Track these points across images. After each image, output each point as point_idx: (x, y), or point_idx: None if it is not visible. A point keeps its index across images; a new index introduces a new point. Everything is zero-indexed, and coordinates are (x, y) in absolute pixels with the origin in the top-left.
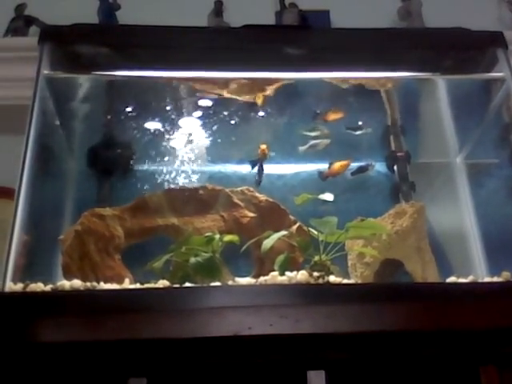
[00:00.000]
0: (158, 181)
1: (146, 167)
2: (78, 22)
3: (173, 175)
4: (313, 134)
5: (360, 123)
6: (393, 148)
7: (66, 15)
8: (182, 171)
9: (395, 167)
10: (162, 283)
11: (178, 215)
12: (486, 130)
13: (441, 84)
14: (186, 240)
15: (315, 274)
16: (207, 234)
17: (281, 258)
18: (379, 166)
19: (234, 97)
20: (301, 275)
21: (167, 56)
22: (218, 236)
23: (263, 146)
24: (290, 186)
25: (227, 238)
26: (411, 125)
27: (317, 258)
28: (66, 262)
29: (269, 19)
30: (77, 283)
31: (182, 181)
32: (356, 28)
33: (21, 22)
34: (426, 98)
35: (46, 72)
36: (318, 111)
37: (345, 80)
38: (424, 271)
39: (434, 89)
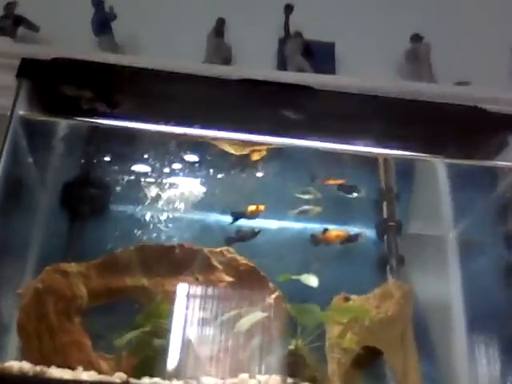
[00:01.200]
0: (135, 226)
1: (123, 209)
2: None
3: (151, 221)
4: (305, 196)
5: (352, 185)
6: (385, 215)
7: (58, 16)
8: (162, 218)
9: (385, 236)
10: (119, 376)
11: (149, 275)
12: (483, 210)
13: (443, 165)
14: (154, 309)
15: (289, 381)
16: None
17: (255, 341)
18: (369, 232)
19: (225, 149)
20: (273, 380)
21: (156, 106)
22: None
23: (261, 207)
24: (276, 245)
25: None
26: (406, 193)
27: (293, 345)
28: (22, 320)
29: (272, 45)
30: (25, 366)
31: (160, 228)
32: (362, 94)
33: (9, 21)
34: (426, 170)
35: (21, 112)
36: (316, 175)
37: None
38: (405, 363)
39: (436, 166)
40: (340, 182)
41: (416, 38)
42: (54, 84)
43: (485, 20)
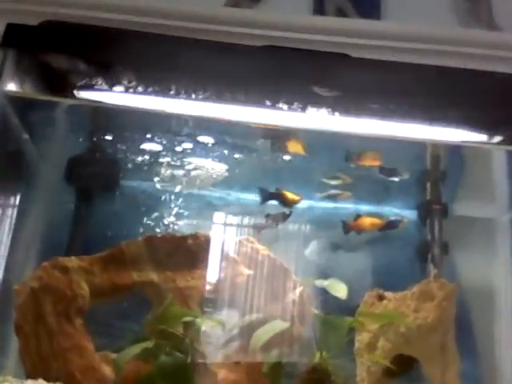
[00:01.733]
0: (147, 205)
1: (133, 185)
2: None
3: (166, 200)
4: (333, 182)
5: (393, 168)
6: (428, 196)
7: None
8: (178, 195)
9: (428, 221)
10: None
11: (159, 269)
12: None
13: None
14: (162, 314)
15: None
16: (185, 319)
17: (272, 356)
18: (409, 215)
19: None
20: None
21: (165, 77)
22: (199, 320)
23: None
24: (302, 232)
25: (209, 323)
26: (454, 170)
27: (317, 358)
28: (19, 321)
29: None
30: None
31: (175, 210)
32: (411, 63)
33: None
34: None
35: (8, 89)
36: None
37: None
38: (444, 375)
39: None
40: (376, 162)
41: None
42: (43, 54)
43: None
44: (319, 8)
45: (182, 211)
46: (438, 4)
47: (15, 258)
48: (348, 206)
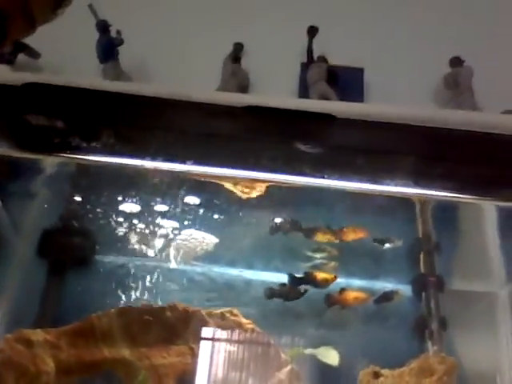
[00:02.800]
0: (124, 281)
1: (108, 260)
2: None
3: (143, 272)
4: (318, 255)
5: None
6: (422, 270)
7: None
8: (156, 270)
9: (423, 294)
10: None
11: (133, 345)
12: None
13: (493, 209)
14: None
15: None
16: None
17: None
18: (403, 289)
19: (230, 188)
20: None
21: (145, 139)
22: None
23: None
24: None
25: None
26: (448, 243)
27: None
28: None
29: (293, 70)
30: None
31: (153, 281)
32: (393, 123)
33: (8, 48)
34: (472, 216)
35: None
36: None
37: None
38: None
39: (484, 211)
40: (361, 235)
41: (456, 62)
42: (23, 112)
43: None
44: (304, 95)
45: (161, 287)
46: (421, 91)
47: None
48: (339, 281)
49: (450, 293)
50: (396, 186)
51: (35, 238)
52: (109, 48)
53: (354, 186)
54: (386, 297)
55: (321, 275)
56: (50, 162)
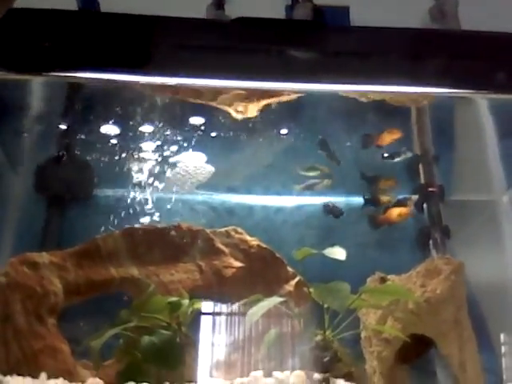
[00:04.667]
0: (124, 211)
1: (109, 193)
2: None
3: (144, 205)
4: (311, 173)
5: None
6: (422, 181)
7: None
8: (157, 199)
9: (425, 206)
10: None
11: (140, 264)
12: None
13: (487, 104)
14: (143, 303)
15: (316, 376)
16: (171, 299)
17: (270, 336)
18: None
19: (225, 108)
20: (295, 377)
21: (143, 55)
22: (186, 301)
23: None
24: (291, 223)
25: (198, 304)
26: (446, 152)
27: (319, 336)
28: None
29: (278, 14)
30: None
31: (155, 212)
32: (382, 27)
33: None
34: (467, 119)
35: None
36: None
37: (364, 94)
38: (462, 353)
39: (478, 109)
40: (397, 135)
41: None
42: (10, 36)
43: None
44: None
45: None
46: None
47: None
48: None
49: (451, 203)
50: (391, 85)
51: (31, 173)
52: None
53: (350, 89)
54: (400, 204)
55: (395, 212)
56: (41, 89)
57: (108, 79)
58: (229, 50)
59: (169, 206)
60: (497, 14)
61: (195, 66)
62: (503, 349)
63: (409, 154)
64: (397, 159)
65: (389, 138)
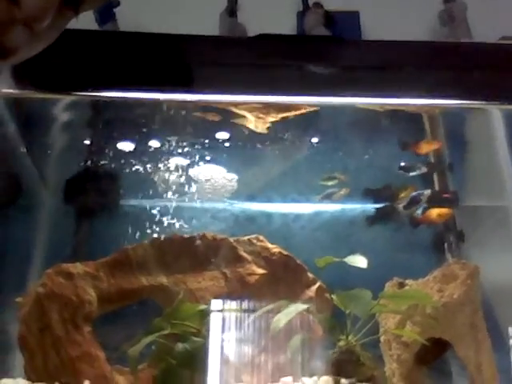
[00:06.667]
0: (151, 222)
1: (136, 204)
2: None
3: (170, 217)
4: (329, 183)
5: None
6: (437, 187)
7: None
8: (182, 210)
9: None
10: None
11: (168, 272)
12: None
13: (499, 114)
14: (174, 311)
15: (343, 381)
16: (201, 307)
17: (296, 340)
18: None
19: (243, 124)
20: (323, 382)
21: (162, 72)
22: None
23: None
24: (309, 229)
25: (227, 309)
26: (459, 160)
27: (342, 341)
28: (23, 333)
29: (289, 21)
30: None
31: (180, 223)
32: (396, 41)
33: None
34: (479, 127)
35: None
36: (407, 141)
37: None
38: (478, 355)
39: (491, 118)
40: (435, 146)
41: None
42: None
43: None
44: None
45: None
46: (418, 31)
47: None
48: (349, 206)
49: (465, 209)
50: (406, 98)
51: (60, 186)
52: (105, 10)
53: (366, 102)
54: (415, 200)
55: (435, 212)
56: (65, 106)
57: (133, 97)
58: (250, 66)
59: (193, 216)
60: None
61: (219, 82)
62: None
63: (423, 170)
64: (412, 173)
65: (427, 147)
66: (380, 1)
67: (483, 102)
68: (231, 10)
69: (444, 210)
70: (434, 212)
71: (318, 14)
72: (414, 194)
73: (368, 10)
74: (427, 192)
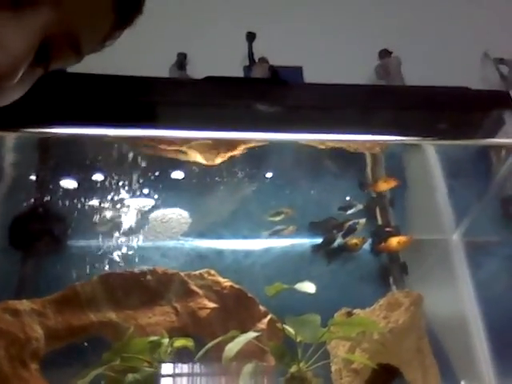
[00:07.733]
0: (99, 262)
1: (82, 244)
2: None
3: (117, 254)
4: (277, 218)
5: (351, 201)
6: (379, 222)
7: None
8: (129, 248)
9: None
10: None
11: (118, 308)
12: (486, 204)
13: (434, 150)
14: (123, 345)
15: None
16: (151, 339)
17: (248, 368)
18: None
19: (192, 159)
20: None
21: (112, 109)
22: (166, 340)
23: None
24: (259, 265)
25: (178, 342)
26: (400, 196)
27: (294, 367)
28: None
29: (237, 74)
30: None
31: (127, 261)
32: (336, 84)
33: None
34: (417, 164)
35: None
36: (363, 180)
37: (323, 143)
38: (425, 379)
39: (427, 155)
40: (392, 184)
41: (385, 54)
42: None
43: (454, 30)
44: None
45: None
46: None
47: None
48: (298, 241)
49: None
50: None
51: (6, 227)
52: None
53: (311, 138)
54: (351, 230)
55: (351, 241)
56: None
57: (80, 133)
58: (200, 105)
59: (143, 254)
60: (437, 70)
61: (170, 119)
62: None
63: (359, 207)
64: (349, 211)
65: (384, 185)
66: (322, 57)
67: (417, 138)
68: (180, 64)
69: (403, 238)
70: (394, 240)
71: (263, 67)
72: (350, 223)
73: (310, 65)
74: (362, 221)
